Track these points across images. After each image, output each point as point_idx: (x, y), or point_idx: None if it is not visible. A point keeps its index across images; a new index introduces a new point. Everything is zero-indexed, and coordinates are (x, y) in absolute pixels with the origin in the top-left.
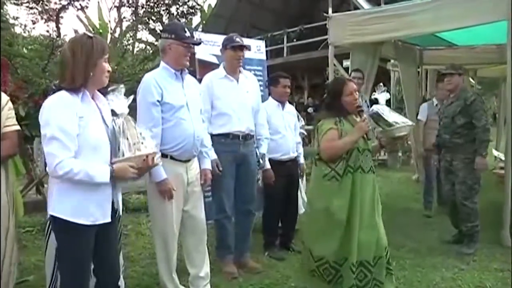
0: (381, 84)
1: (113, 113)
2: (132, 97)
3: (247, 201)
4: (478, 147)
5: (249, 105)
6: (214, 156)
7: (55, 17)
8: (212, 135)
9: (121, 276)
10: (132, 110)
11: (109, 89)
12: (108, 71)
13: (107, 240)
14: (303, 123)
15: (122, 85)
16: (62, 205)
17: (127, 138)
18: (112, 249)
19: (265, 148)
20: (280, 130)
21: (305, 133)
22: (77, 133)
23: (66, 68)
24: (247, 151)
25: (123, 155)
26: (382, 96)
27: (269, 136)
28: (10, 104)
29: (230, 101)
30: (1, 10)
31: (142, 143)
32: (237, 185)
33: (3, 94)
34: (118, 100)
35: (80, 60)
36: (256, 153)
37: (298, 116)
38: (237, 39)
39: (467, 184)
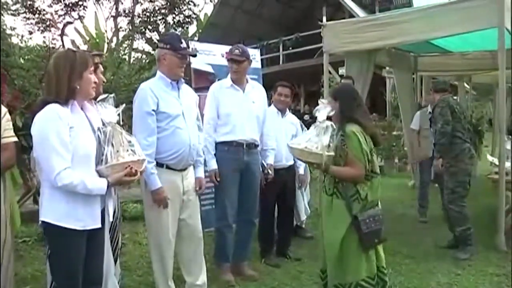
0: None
1: (102, 122)
2: (123, 106)
3: (248, 210)
4: (434, 149)
5: (254, 115)
6: (214, 166)
7: (60, 32)
8: (216, 143)
9: (117, 286)
10: (130, 119)
11: (98, 99)
12: (95, 83)
13: (94, 246)
14: None
15: (111, 95)
16: (52, 210)
17: (112, 145)
18: (98, 257)
19: (272, 159)
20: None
21: None
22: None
23: (51, 82)
24: (250, 159)
25: (106, 162)
26: (321, 112)
27: (275, 146)
28: (8, 116)
29: (235, 110)
30: None
31: (127, 150)
32: (239, 193)
33: (1, 106)
34: (107, 110)
35: (63, 74)
36: (263, 164)
37: (302, 126)
38: (236, 51)
39: (449, 188)
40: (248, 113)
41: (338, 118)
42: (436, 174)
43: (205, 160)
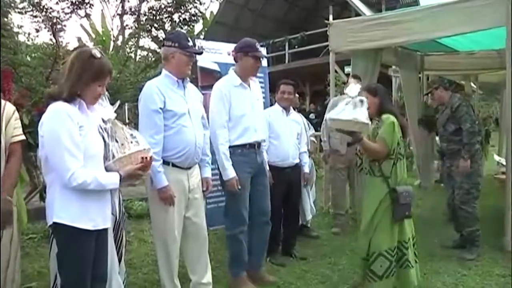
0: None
1: (101, 120)
2: (118, 103)
3: (264, 212)
4: (463, 150)
5: (261, 112)
6: (233, 173)
7: (51, 28)
8: (229, 147)
9: (122, 285)
10: (136, 117)
11: None
12: (99, 94)
13: (99, 244)
14: (313, 131)
15: (105, 93)
16: (65, 211)
17: (116, 141)
18: (102, 254)
19: (265, 154)
20: (280, 136)
21: (315, 141)
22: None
23: (62, 76)
24: (261, 159)
25: (114, 157)
26: (353, 88)
27: (268, 141)
28: (16, 114)
29: (247, 111)
30: (5, 19)
31: (132, 142)
32: (255, 196)
33: (9, 104)
34: (104, 108)
35: (73, 74)
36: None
37: (308, 124)
38: (260, 49)
39: (464, 188)
40: (257, 112)
41: (375, 110)
42: (448, 175)
43: (212, 163)
